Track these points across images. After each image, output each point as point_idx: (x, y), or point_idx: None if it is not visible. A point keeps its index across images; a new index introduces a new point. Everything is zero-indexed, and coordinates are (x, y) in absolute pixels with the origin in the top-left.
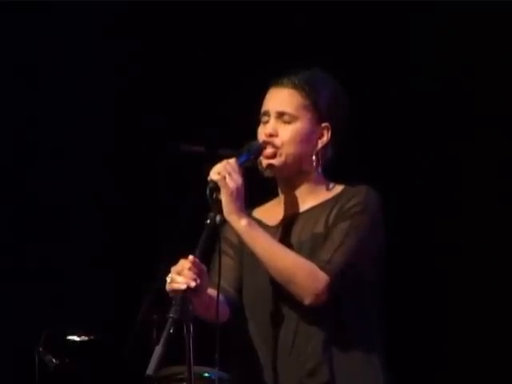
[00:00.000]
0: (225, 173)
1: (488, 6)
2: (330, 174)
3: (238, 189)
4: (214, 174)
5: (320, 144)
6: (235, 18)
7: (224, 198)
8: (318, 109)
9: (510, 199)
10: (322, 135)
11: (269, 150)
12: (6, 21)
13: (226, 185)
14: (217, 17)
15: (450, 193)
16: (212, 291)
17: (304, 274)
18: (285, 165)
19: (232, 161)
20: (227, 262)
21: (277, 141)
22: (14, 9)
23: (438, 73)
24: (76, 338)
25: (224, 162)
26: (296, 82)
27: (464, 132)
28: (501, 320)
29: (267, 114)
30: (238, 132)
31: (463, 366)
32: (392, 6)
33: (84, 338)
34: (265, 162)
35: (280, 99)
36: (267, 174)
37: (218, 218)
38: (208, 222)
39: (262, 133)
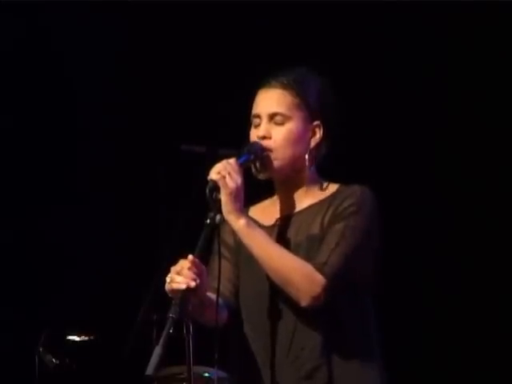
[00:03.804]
0: (225, 172)
1: (487, 6)
2: (325, 172)
3: (237, 189)
4: (214, 174)
5: (313, 142)
6: (235, 19)
7: (223, 197)
8: (309, 107)
9: (506, 196)
10: (314, 133)
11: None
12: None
13: (225, 184)
14: (216, 17)
15: (445, 191)
16: (210, 295)
17: (301, 276)
18: (281, 168)
19: (232, 161)
20: (224, 265)
21: (271, 143)
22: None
23: (433, 71)
24: (76, 338)
25: (224, 162)
26: (285, 82)
27: (459, 130)
28: (500, 320)
29: (258, 116)
30: (238, 132)
31: (462, 366)
32: (382, 5)
33: (84, 337)
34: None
35: (271, 100)
36: (261, 177)
37: (217, 217)
38: (208, 221)
39: (255, 136)
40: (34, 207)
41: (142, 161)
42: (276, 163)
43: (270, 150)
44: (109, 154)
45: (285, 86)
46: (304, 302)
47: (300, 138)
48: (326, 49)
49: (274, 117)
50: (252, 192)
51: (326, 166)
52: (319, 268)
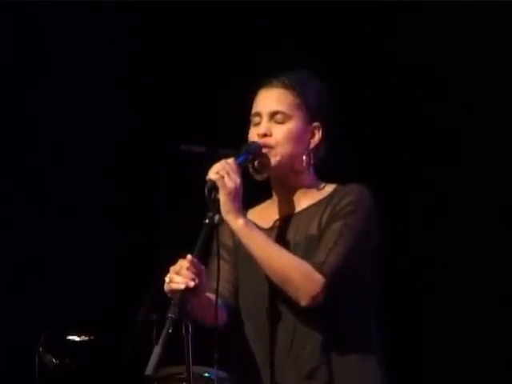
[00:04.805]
0: (223, 172)
1: (487, 6)
2: (323, 173)
3: (236, 188)
4: (213, 174)
5: (312, 144)
6: (235, 19)
7: (222, 197)
8: (309, 108)
9: (506, 195)
10: (313, 135)
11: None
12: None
13: (224, 184)
14: (217, 18)
15: (444, 190)
16: (210, 295)
17: (300, 275)
18: (279, 165)
19: (230, 160)
20: (222, 266)
21: (271, 141)
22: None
23: (432, 72)
24: (76, 338)
25: (222, 162)
26: (286, 82)
27: (459, 130)
28: (499, 319)
29: (259, 115)
30: (238, 132)
31: (462, 366)
32: (382, 5)
33: (84, 337)
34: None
35: (272, 99)
36: (258, 177)
37: (216, 217)
38: (206, 221)
39: (255, 134)
40: (33, 206)
41: (142, 161)
42: (274, 161)
43: (270, 147)
44: (109, 153)
45: (286, 86)
46: (303, 301)
47: (299, 138)
48: (326, 49)
49: (275, 115)
50: (249, 194)
51: (325, 168)
52: (318, 267)
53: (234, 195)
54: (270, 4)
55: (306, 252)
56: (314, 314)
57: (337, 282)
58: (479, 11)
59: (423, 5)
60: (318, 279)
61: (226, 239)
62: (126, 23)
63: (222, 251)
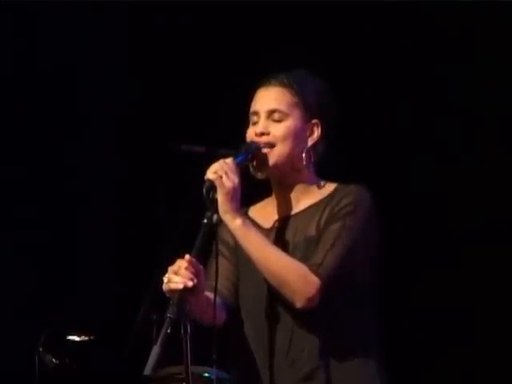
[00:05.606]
0: (221, 172)
1: (487, 6)
2: (324, 172)
3: (234, 188)
4: (211, 174)
5: (310, 141)
6: (236, 18)
7: (220, 197)
8: (307, 106)
9: (506, 195)
10: (312, 132)
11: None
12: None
13: (222, 184)
14: (218, 17)
15: (444, 190)
16: (209, 294)
17: (296, 277)
18: (278, 164)
19: (229, 160)
20: (223, 264)
21: (270, 139)
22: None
23: (432, 71)
24: (76, 338)
25: (221, 162)
26: (284, 81)
27: (459, 131)
28: (499, 319)
29: (257, 114)
30: (238, 132)
31: (462, 366)
32: (382, 5)
33: (84, 337)
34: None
35: (270, 98)
36: (259, 176)
37: (214, 217)
38: (205, 221)
39: (253, 133)
40: (34, 206)
41: (142, 161)
42: (272, 160)
43: (269, 145)
44: (109, 154)
45: (284, 85)
46: (299, 303)
47: (298, 136)
48: (326, 49)
49: (273, 114)
50: (249, 192)
51: (325, 166)
52: (314, 269)
53: (232, 195)
54: (270, 4)
55: (304, 253)
56: (312, 316)
57: (333, 283)
58: (479, 11)
59: (423, 5)
60: (314, 281)
61: (227, 237)
62: (126, 23)
63: (223, 248)
